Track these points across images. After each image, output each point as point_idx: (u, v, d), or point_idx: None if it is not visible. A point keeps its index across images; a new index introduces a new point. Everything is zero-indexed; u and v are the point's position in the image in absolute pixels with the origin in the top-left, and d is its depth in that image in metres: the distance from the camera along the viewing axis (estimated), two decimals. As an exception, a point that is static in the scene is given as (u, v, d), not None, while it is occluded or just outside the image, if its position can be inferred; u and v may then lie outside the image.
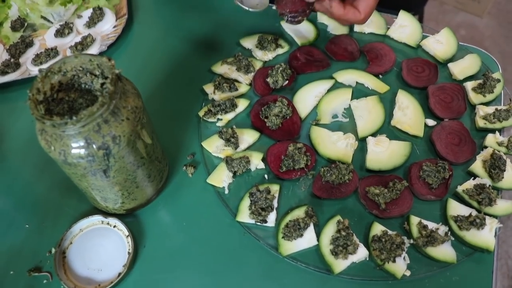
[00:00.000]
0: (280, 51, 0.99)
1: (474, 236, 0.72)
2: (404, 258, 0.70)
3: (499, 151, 0.80)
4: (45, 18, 1.11)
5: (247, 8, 0.85)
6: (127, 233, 0.74)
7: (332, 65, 0.96)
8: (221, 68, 0.96)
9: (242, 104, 0.90)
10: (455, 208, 0.75)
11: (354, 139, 0.84)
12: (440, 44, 0.97)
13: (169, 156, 0.84)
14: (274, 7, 1.01)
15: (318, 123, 0.88)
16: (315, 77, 0.94)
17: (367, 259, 0.71)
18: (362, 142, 0.85)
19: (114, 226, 0.76)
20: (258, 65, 0.97)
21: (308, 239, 0.73)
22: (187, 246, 0.75)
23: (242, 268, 0.72)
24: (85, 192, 0.73)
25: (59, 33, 1.05)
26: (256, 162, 0.81)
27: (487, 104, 0.89)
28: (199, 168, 0.83)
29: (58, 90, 0.64)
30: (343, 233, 0.71)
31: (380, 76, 0.95)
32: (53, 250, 0.74)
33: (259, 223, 0.75)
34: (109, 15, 1.08)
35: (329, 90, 0.92)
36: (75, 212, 0.79)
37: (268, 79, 0.91)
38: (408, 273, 0.69)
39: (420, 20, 1.49)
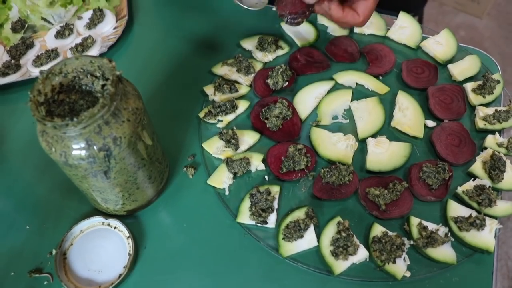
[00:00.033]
0: (280, 52, 1.00)
1: (474, 237, 0.72)
2: (404, 259, 0.70)
3: (499, 152, 0.80)
4: (45, 20, 1.11)
5: (246, 7, 0.85)
6: (127, 234, 0.74)
7: (332, 66, 0.97)
8: (221, 70, 0.96)
9: (243, 106, 0.90)
10: (455, 209, 0.75)
11: (354, 140, 0.85)
12: (440, 45, 0.97)
13: (169, 157, 0.84)
14: (274, 8, 1.02)
15: (318, 124, 0.88)
16: (315, 78, 0.94)
17: (367, 260, 0.72)
18: (362, 143, 0.85)
19: (115, 227, 0.76)
20: (258, 66, 0.97)
21: (308, 240, 0.73)
22: (187, 247, 0.75)
23: (242, 269, 0.72)
24: (86, 193, 0.73)
25: (60, 35, 1.05)
26: (257, 163, 0.82)
27: (487, 105, 0.89)
28: (200, 169, 0.83)
29: (59, 92, 0.65)
30: (344, 234, 0.71)
31: (380, 77, 0.95)
32: (54, 251, 0.74)
33: (259, 224, 0.75)
34: (110, 17, 1.08)
35: (329, 91, 0.92)
36: (76, 213, 0.79)
37: (268, 81, 0.91)
38: (408, 274, 0.70)
39: (420, 21, 1.49)
